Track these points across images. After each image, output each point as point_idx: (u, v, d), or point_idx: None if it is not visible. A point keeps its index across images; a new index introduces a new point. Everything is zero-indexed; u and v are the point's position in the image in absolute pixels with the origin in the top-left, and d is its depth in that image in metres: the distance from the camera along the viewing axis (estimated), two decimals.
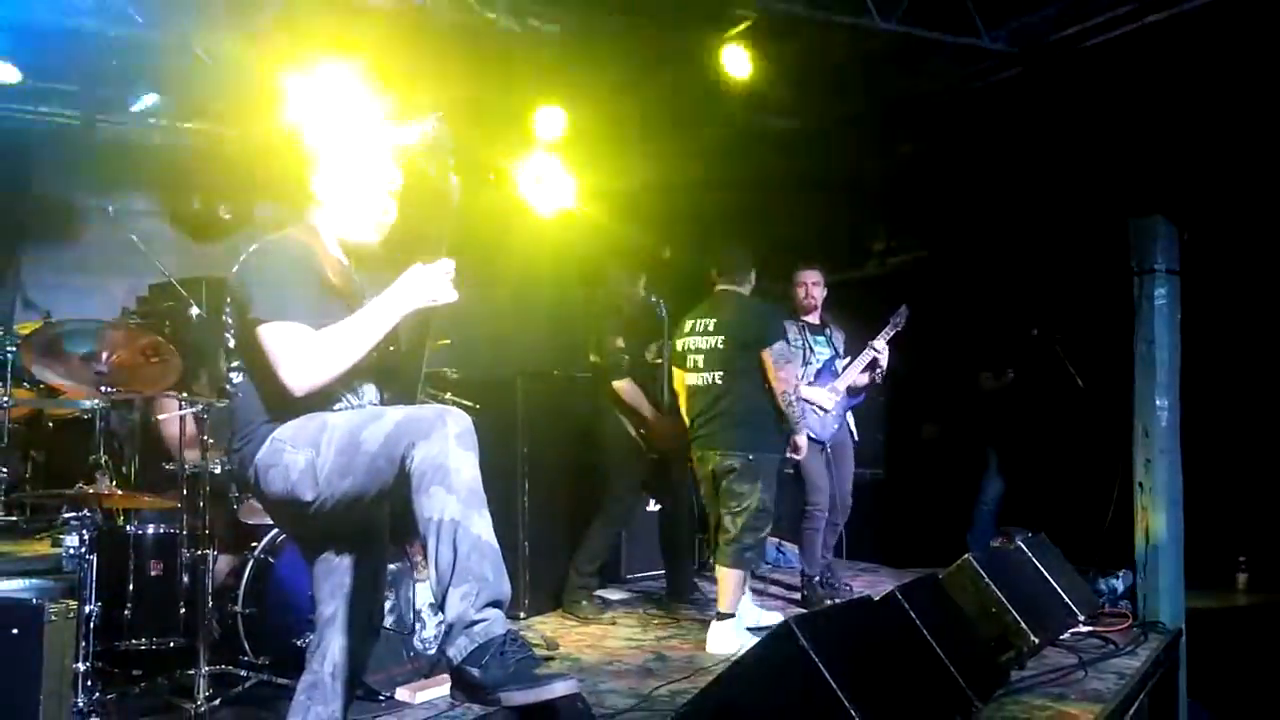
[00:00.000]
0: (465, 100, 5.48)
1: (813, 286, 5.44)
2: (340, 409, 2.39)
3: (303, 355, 2.26)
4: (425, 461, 2.14)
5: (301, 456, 2.27)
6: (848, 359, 5.53)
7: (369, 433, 2.23)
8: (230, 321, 2.42)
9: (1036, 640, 3.95)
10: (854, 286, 6.51)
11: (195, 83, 5.54)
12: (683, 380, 4.84)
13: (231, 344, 2.42)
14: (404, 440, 2.17)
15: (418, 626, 4.10)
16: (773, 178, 6.64)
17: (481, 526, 2.13)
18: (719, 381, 4.65)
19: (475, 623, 2.06)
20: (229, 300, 2.42)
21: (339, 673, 2.51)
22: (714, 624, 4.54)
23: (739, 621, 4.54)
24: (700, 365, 4.73)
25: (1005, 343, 6.75)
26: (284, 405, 2.31)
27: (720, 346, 4.67)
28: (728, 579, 4.52)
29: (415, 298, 2.35)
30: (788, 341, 5.00)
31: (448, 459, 2.13)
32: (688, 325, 4.84)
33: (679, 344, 4.85)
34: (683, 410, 4.86)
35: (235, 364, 2.42)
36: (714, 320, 4.74)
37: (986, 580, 3.97)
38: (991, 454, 6.78)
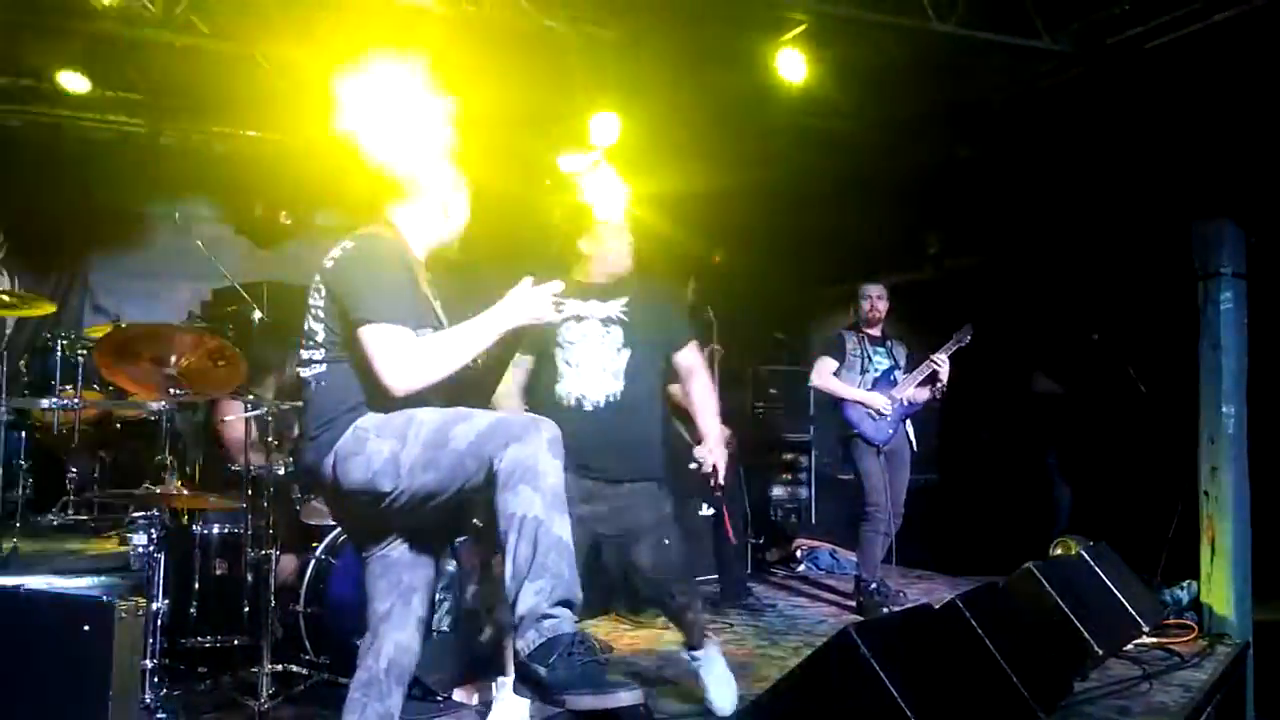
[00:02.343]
0: (520, 105, 5.52)
1: (877, 300, 5.43)
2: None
3: (404, 359, 2.31)
4: (516, 461, 2.18)
5: (386, 446, 2.31)
6: (909, 372, 5.47)
7: (459, 430, 2.27)
8: (319, 313, 2.44)
9: (1100, 651, 3.87)
10: (910, 290, 6.43)
11: (258, 90, 5.66)
12: None
13: (320, 335, 2.44)
14: (497, 440, 2.22)
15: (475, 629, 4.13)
16: (828, 181, 6.59)
17: (562, 529, 2.18)
18: None
19: (546, 617, 2.09)
20: (322, 293, 2.44)
21: (393, 669, 2.54)
22: None
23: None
24: None
25: (1065, 347, 6.63)
26: (372, 399, 2.36)
27: None
28: None
29: (521, 314, 2.42)
30: (844, 352, 4.97)
31: (538, 462, 2.19)
32: None
33: None
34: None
35: (318, 356, 2.44)
36: None
37: (1049, 589, 3.90)
38: (1053, 462, 6.67)
